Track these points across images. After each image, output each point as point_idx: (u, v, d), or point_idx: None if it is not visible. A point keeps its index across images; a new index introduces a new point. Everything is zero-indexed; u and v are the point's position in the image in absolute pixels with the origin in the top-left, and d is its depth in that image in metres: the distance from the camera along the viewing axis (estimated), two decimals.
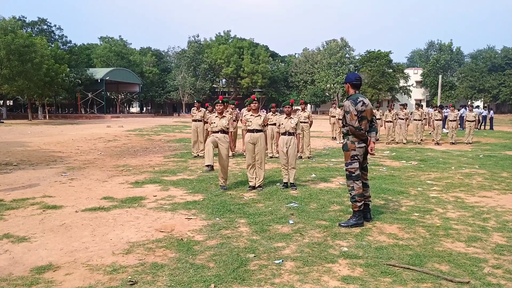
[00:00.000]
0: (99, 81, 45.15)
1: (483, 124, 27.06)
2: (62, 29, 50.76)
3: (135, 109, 71.59)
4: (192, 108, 12.33)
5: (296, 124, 7.36)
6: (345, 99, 5.27)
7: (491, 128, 26.54)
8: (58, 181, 8.18)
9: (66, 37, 50.91)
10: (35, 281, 3.52)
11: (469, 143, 16.42)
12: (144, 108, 70.69)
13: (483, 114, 27.23)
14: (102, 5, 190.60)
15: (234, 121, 11.83)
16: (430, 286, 3.41)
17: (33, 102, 40.55)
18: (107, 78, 45.81)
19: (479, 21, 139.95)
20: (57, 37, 49.63)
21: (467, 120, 17.17)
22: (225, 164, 7.37)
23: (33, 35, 38.70)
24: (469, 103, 48.53)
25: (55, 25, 50.13)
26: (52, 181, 8.18)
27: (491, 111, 28.99)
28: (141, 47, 65.13)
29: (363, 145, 5.12)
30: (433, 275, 3.60)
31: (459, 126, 18.42)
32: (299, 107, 12.31)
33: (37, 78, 32.04)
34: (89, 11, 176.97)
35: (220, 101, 7.62)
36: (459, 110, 20.36)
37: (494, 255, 4.14)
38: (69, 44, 50.90)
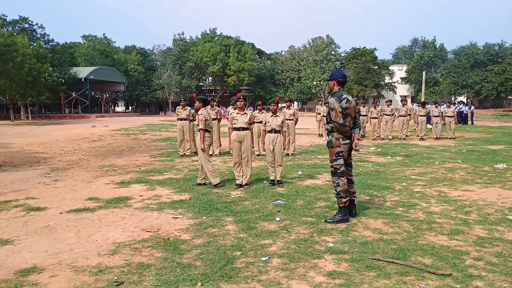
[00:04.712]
0: (83, 80, 44.57)
1: (469, 120, 27.40)
2: (44, 28, 49.70)
3: (120, 108, 70.90)
4: (177, 107, 12.27)
5: (282, 122, 7.40)
6: (330, 96, 5.31)
7: (472, 123, 27.00)
8: (41, 182, 8.07)
9: (48, 35, 49.83)
10: (20, 284, 3.48)
11: (453, 138, 16.70)
12: (130, 107, 70.08)
13: (462, 111, 27.47)
14: (84, 3, 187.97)
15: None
16: (413, 279, 3.47)
17: (15, 102, 39.82)
18: (91, 77, 45.26)
19: (462, 18, 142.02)
20: (39, 35, 48.66)
21: (446, 116, 17.47)
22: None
23: (14, 34, 37.93)
24: (452, 98, 49.38)
25: (36, 24, 49.11)
26: (36, 182, 8.07)
27: (472, 107, 29.50)
28: (126, 46, 64.51)
29: (347, 141, 5.17)
30: (417, 268, 3.66)
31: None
32: (285, 105, 12.36)
33: (19, 78, 31.49)
34: (71, 9, 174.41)
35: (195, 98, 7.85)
36: (441, 106, 20.68)
37: (476, 247, 4.22)
38: (52, 43, 49.91)
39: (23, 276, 3.63)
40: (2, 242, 4.52)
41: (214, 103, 12.21)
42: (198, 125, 7.35)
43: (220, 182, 7.37)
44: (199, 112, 7.43)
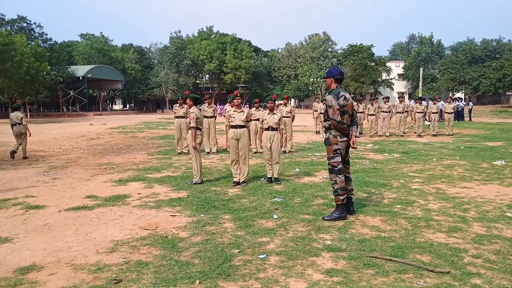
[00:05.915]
0: (80, 78, 44.52)
1: (467, 116, 27.36)
2: (42, 27, 50.03)
3: (118, 106, 70.84)
4: (175, 105, 12.25)
5: (279, 119, 7.40)
6: (327, 94, 5.31)
7: (470, 119, 27.02)
8: (40, 180, 8.06)
9: (46, 34, 49.79)
10: (19, 282, 3.48)
11: (450, 134, 16.73)
12: (127, 105, 69.99)
13: (459, 107, 27.41)
14: (82, 2, 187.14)
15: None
16: (411, 277, 3.46)
17: (13, 101, 39.73)
18: (89, 75, 45.20)
19: (459, 14, 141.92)
20: (37, 34, 48.57)
21: (445, 112, 17.50)
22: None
23: (13, 33, 37.89)
24: (450, 94, 49.40)
25: (34, 23, 49.15)
26: (35, 180, 8.06)
27: (470, 103, 29.53)
28: (123, 44, 64.43)
29: (345, 139, 5.17)
30: (415, 266, 3.66)
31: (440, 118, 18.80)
32: (282, 102, 12.37)
33: (18, 77, 31.50)
34: (69, 8, 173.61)
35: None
36: (438, 102, 20.69)
37: (474, 245, 4.21)
38: (50, 42, 49.84)
39: (22, 274, 3.63)
40: (1, 240, 4.52)
41: (211, 100, 12.20)
42: (189, 123, 7.37)
43: (202, 183, 7.43)
44: (191, 110, 7.44)
